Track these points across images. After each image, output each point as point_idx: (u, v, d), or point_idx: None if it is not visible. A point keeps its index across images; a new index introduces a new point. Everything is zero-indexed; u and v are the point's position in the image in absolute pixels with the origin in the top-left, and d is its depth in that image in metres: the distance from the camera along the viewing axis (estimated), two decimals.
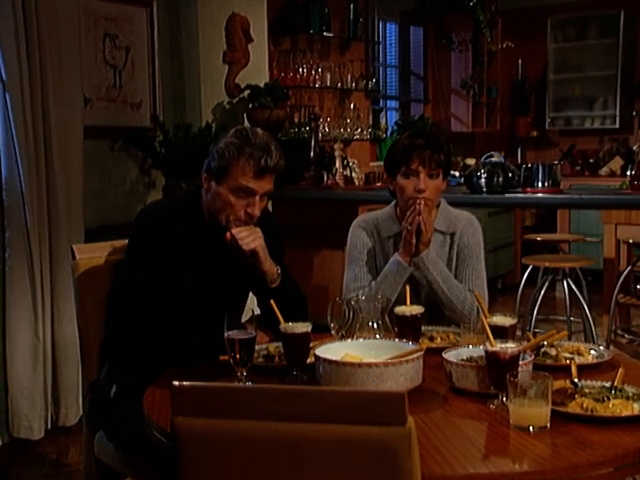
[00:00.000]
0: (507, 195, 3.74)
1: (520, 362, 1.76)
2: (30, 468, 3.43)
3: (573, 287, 4.20)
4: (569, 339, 4.36)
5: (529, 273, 4.63)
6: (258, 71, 4.77)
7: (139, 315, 2.22)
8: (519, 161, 7.81)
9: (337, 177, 4.54)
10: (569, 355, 2.07)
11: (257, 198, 2.15)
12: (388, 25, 6.86)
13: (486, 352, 1.73)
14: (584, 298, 4.24)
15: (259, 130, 2.18)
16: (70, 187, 3.74)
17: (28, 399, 3.65)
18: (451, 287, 2.44)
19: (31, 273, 3.60)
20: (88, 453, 2.42)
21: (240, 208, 2.15)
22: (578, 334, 4.53)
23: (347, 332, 2.07)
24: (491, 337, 1.75)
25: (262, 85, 4.59)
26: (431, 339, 2.23)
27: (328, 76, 5.42)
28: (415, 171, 2.42)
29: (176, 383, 1.11)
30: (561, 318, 4.91)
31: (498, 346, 1.72)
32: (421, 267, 2.41)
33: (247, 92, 4.60)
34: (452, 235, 2.55)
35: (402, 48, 7.02)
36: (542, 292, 4.28)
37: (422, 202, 2.39)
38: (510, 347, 1.71)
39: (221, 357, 1.95)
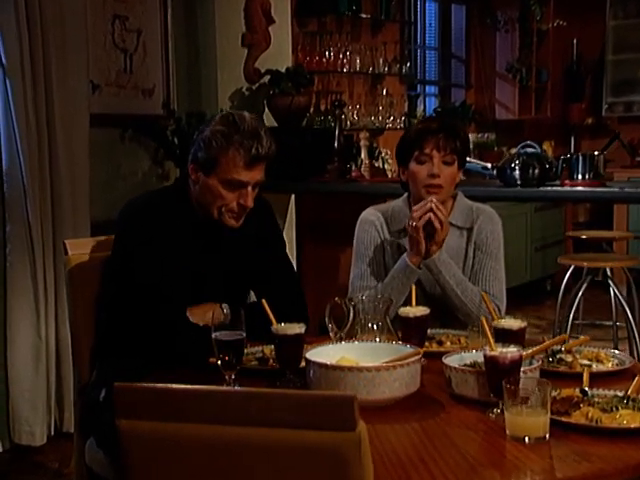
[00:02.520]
0: (542, 188, 3.72)
1: (523, 368, 1.78)
2: (30, 476, 3.52)
3: (615, 289, 4.16)
4: (615, 347, 4.35)
5: (576, 274, 4.59)
6: (280, 55, 4.81)
7: (129, 315, 2.26)
8: (572, 151, 7.73)
9: (363, 169, 4.56)
10: (587, 362, 2.07)
11: (249, 189, 2.19)
12: (427, 3, 6.85)
13: (485, 357, 1.75)
14: (626, 301, 4.19)
15: (247, 114, 2.22)
16: (75, 179, 3.83)
17: (29, 403, 3.74)
18: (465, 291, 2.46)
19: (33, 269, 3.69)
20: (80, 461, 2.48)
21: (232, 200, 2.20)
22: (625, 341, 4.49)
23: (347, 334, 2.09)
24: (491, 340, 1.76)
25: (283, 70, 4.63)
26: (440, 343, 2.25)
27: (358, 60, 5.43)
28: (429, 156, 2.45)
29: (118, 384, 1.16)
30: (607, 323, 4.87)
31: (498, 350, 1.73)
32: (433, 270, 2.43)
33: (267, 77, 4.64)
34: (469, 230, 2.56)
35: (442, 29, 7.00)
36: (580, 294, 4.25)
37: (434, 199, 2.40)
38: (510, 352, 1.72)
39: (211, 359, 1.99)
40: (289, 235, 4.81)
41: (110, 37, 4.19)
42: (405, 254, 2.45)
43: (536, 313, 6.33)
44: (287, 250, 2.53)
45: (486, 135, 6.94)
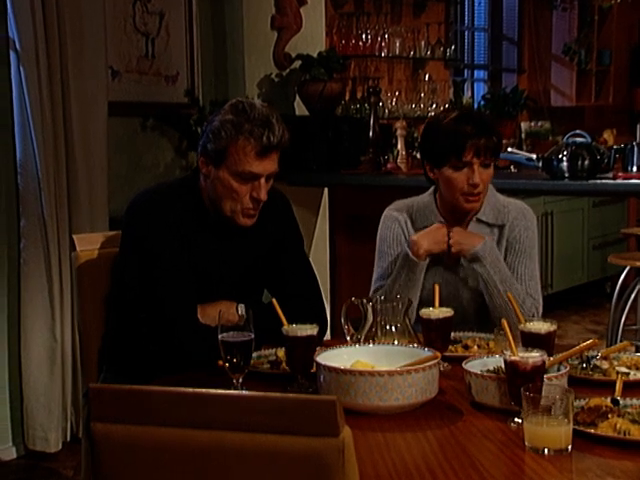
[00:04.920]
0: (592, 181, 3.69)
1: (550, 375, 1.78)
2: None
3: None
4: None
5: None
6: (313, 38, 4.82)
7: (136, 316, 2.30)
8: (638, 140, 7.61)
9: (399, 160, 4.56)
10: (624, 369, 2.06)
11: (262, 180, 2.22)
12: None
13: (505, 362, 1.75)
14: None
15: (257, 102, 2.26)
16: (92, 171, 3.89)
17: (44, 407, 3.81)
18: (509, 289, 2.43)
19: (48, 267, 3.76)
20: (87, 468, 2.54)
21: (245, 193, 2.22)
22: None
23: (363, 337, 2.11)
24: (513, 344, 1.77)
25: (315, 55, 4.64)
26: (466, 347, 2.26)
27: (398, 43, 5.43)
28: (469, 163, 2.43)
29: (93, 386, 1.19)
30: None
31: (519, 355, 1.73)
32: (477, 263, 2.42)
33: (298, 63, 4.66)
34: (501, 228, 2.55)
35: (492, 8, 6.96)
36: (632, 297, 4.20)
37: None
38: (532, 357, 1.72)
39: (220, 362, 2.03)
40: (322, 230, 4.83)
41: (131, 20, 4.24)
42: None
43: (594, 317, 6.27)
44: (306, 248, 2.56)
45: (540, 123, 6.89)
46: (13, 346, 3.80)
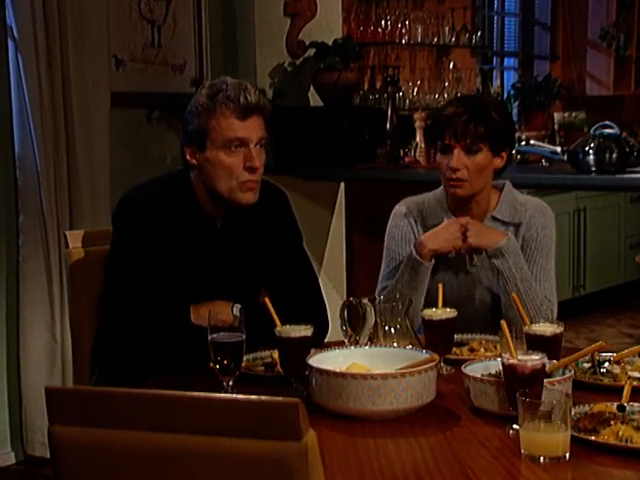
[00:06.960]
0: (619, 176, 3.68)
1: (553, 379, 1.79)
2: None
3: None
4: None
5: None
6: (328, 25, 4.82)
7: (128, 316, 2.33)
8: None
9: (417, 153, 4.56)
10: (637, 374, 2.06)
11: (252, 147, 2.26)
12: None
13: (503, 365, 1.76)
14: None
15: (229, 78, 2.31)
16: (94, 164, 3.94)
17: (43, 410, 3.81)
18: (528, 290, 2.45)
19: (47, 264, 3.81)
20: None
21: (238, 165, 2.26)
22: None
23: (362, 338, 2.13)
24: (512, 347, 1.78)
25: (331, 42, 4.65)
26: (472, 350, 2.27)
27: (420, 29, 5.42)
28: (449, 146, 2.45)
29: (50, 387, 1.22)
30: None
31: (517, 358, 1.74)
32: (500, 259, 2.43)
33: (313, 51, 4.67)
34: (517, 226, 2.56)
35: None
36: None
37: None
38: (531, 360, 1.73)
39: (211, 364, 2.05)
40: (338, 227, 4.84)
41: (136, 7, 4.28)
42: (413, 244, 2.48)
43: (631, 321, 6.22)
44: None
45: (574, 114, 6.85)
46: (12, 347, 3.86)
